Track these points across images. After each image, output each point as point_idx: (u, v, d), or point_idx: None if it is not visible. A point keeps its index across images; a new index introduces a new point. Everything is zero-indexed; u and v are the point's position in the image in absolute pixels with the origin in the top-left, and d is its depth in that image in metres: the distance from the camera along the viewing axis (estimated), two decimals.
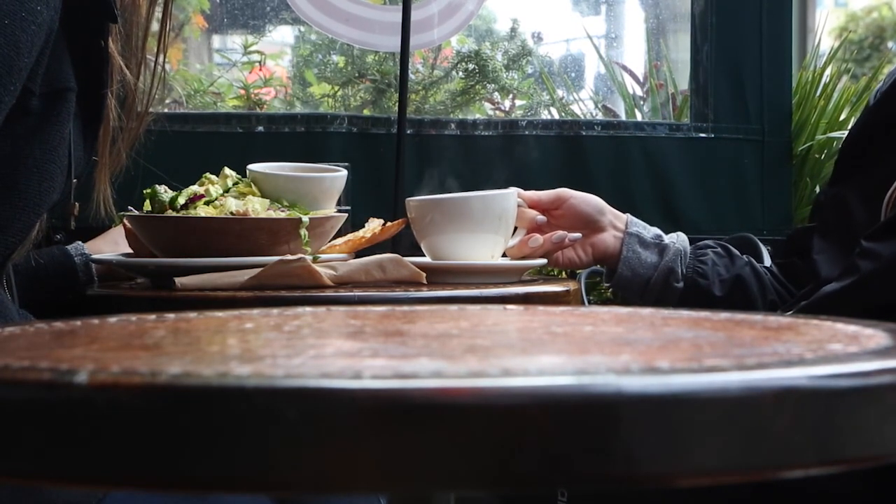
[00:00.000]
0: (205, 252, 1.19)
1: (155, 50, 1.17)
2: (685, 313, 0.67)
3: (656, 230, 1.45)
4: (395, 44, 2.00)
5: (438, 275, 1.28)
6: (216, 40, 3.15)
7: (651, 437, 0.38)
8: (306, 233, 1.22)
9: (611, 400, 0.38)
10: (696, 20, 2.17)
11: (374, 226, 1.37)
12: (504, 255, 1.36)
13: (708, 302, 1.38)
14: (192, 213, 1.24)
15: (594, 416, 0.38)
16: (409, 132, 1.99)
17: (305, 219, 1.23)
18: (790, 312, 1.24)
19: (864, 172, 1.27)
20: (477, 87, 2.48)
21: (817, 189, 2.22)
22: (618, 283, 1.43)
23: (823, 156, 2.32)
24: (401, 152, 1.92)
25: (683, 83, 2.40)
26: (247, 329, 0.62)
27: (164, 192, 1.27)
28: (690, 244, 1.45)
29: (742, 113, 2.16)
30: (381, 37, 2.18)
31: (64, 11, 0.95)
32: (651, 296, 1.42)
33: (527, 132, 2.11)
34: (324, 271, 1.19)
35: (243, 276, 1.17)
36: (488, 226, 1.31)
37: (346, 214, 1.35)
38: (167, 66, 1.22)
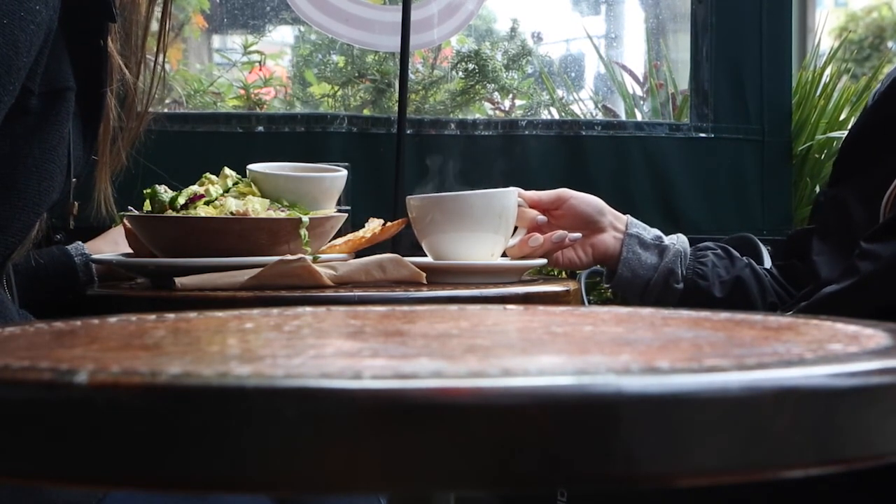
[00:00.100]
0: (205, 252, 1.19)
1: (155, 49, 1.17)
2: (685, 313, 0.67)
3: (656, 231, 1.45)
4: (395, 44, 2.00)
5: (438, 275, 1.28)
6: (216, 40, 3.15)
7: (651, 437, 0.38)
8: (306, 233, 1.22)
9: (611, 400, 0.38)
10: (696, 20, 2.17)
11: (374, 226, 1.37)
12: (504, 254, 1.36)
13: (708, 303, 1.38)
14: (192, 213, 1.24)
15: (594, 416, 0.38)
16: (409, 132, 1.99)
17: (305, 219, 1.23)
18: (790, 313, 1.24)
19: (862, 173, 1.28)
20: (477, 87, 2.48)
21: (817, 189, 2.22)
22: (618, 283, 1.43)
23: (823, 156, 2.32)
24: (401, 152, 1.92)
25: (683, 83, 2.40)
26: (247, 329, 0.62)
27: (164, 192, 1.27)
28: (690, 244, 1.45)
29: (742, 113, 2.16)
30: (381, 37, 2.18)
31: (63, 11, 0.95)
32: (651, 297, 1.42)
33: (527, 132, 2.11)
34: (324, 271, 1.19)
35: (243, 276, 1.17)
36: (489, 224, 1.31)
37: (346, 214, 1.35)
38: (167, 66, 1.22)
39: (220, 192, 1.28)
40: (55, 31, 0.94)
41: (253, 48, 2.59)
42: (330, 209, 1.33)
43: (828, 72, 2.43)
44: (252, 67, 2.61)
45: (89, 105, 1.05)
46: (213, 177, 1.32)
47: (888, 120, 1.27)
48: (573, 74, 2.91)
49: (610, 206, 1.45)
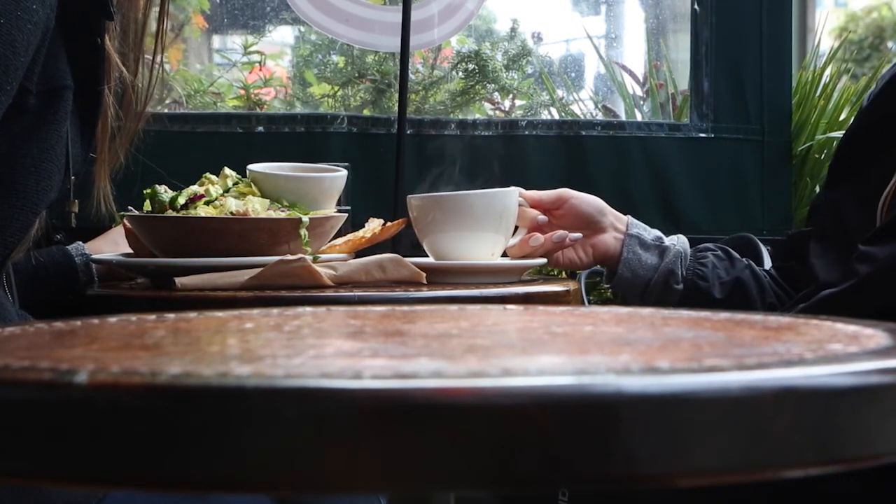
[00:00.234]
0: (205, 252, 1.19)
1: (153, 48, 1.17)
2: (685, 313, 0.67)
3: (657, 232, 1.45)
4: (395, 44, 2.00)
5: (438, 274, 1.28)
6: (216, 40, 3.15)
7: (651, 437, 0.38)
8: (306, 233, 1.22)
9: (611, 400, 0.38)
10: (696, 20, 2.17)
11: (374, 226, 1.37)
12: (505, 254, 1.36)
13: (707, 304, 1.38)
14: (192, 213, 1.24)
15: (594, 416, 0.38)
16: (409, 132, 1.99)
17: (305, 219, 1.23)
18: (790, 314, 1.24)
19: (858, 175, 1.28)
20: (477, 87, 2.48)
21: (817, 189, 2.22)
22: (618, 284, 1.43)
23: (823, 156, 2.32)
24: (401, 152, 1.92)
25: (683, 83, 2.40)
26: (247, 329, 0.62)
27: (164, 192, 1.27)
28: (690, 245, 1.45)
29: (742, 113, 2.16)
30: (381, 37, 2.18)
31: (60, 9, 0.95)
32: (651, 297, 1.42)
33: (527, 132, 2.11)
34: (324, 271, 1.19)
35: (243, 276, 1.17)
36: (489, 224, 1.31)
37: (346, 214, 1.35)
38: (167, 67, 1.22)
39: (220, 192, 1.28)
40: (52, 29, 0.94)
41: (253, 48, 2.59)
42: (330, 209, 1.33)
43: (828, 72, 2.43)
44: (252, 68, 2.61)
45: (87, 103, 1.05)
46: (213, 177, 1.32)
47: (883, 121, 1.27)
48: (573, 74, 2.90)
49: (610, 206, 1.45)
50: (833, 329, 0.57)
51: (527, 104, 2.58)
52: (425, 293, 1.18)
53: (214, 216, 1.23)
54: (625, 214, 1.45)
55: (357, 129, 2.03)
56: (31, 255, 1.21)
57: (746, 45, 2.16)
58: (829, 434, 0.40)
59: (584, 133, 2.12)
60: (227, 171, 1.32)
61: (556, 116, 2.57)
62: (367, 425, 0.37)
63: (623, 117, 2.57)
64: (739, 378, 0.40)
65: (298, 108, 2.59)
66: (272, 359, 0.47)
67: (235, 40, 2.78)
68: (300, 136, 2.01)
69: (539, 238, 1.35)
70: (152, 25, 1.15)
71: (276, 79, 2.76)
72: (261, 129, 2.01)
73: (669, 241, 1.44)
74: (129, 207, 1.30)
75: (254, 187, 1.31)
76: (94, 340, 0.56)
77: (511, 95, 2.58)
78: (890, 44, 7.81)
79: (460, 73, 2.48)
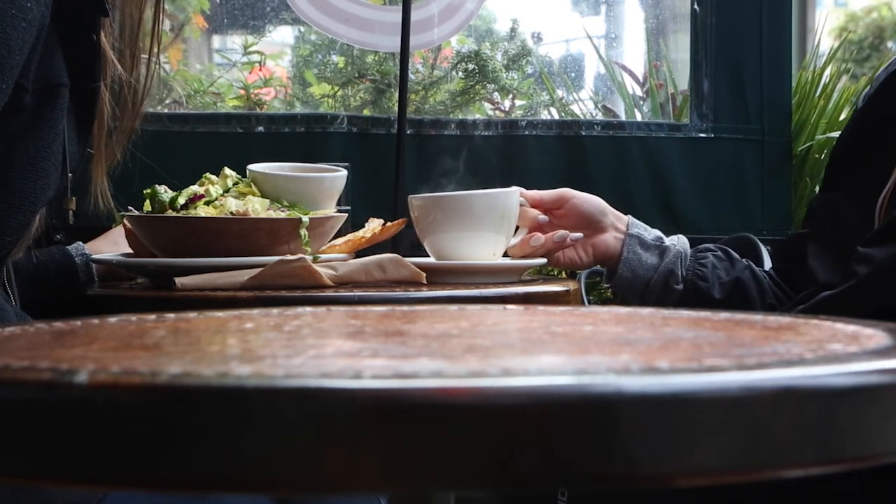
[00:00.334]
0: (205, 252, 1.19)
1: (149, 44, 1.17)
2: (685, 313, 0.67)
3: (657, 232, 1.45)
4: (395, 44, 2.00)
5: (438, 274, 1.28)
6: (216, 40, 3.15)
7: (651, 437, 0.38)
8: (306, 233, 1.22)
9: (611, 400, 0.38)
10: (696, 20, 2.17)
11: (374, 226, 1.37)
12: (506, 253, 1.36)
13: (707, 304, 1.38)
14: (192, 213, 1.24)
15: (594, 416, 0.38)
16: (409, 132, 1.99)
17: (305, 219, 1.23)
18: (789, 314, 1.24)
19: (855, 176, 1.28)
20: (477, 87, 2.48)
21: (817, 189, 2.22)
22: (618, 284, 1.43)
23: (823, 156, 2.32)
24: (401, 152, 1.92)
25: (683, 83, 2.40)
26: (247, 329, 0.62)
27: (164, 192, 1.27)
28: (690, 245, 1.45)
29: (742, 113, 2.16)
30: (381, 37, 2.18)
31: (55, 6, 0.95)
32: (651, 297, 1.42)
33: (527, 132, 2.11)
34: (324, 271, 1.19)
35: (243, 276, 1.17)
36: (490, 224, 1.31)
37: (346, 214, 1.35)
38: (167, 67, 1.22)
39: (220, 192, 1.28)
40: (47, 26, 0.94)
41: (253, 48, 2.59)
42: (330, 209, 1.33)
43: (828, 72, 2.44)
44: (252, 68, 2.61)
45: (83, 100, 1.05)
46: (213, 177, 1.32)
47: (879, 122, 1.27)
48: (573, 74, 2.90)
49: (610, 205, 1.45)
50: (833, 329, 0.57)
51: (527, 104, 2.58)
52: (425, 293, 1.18)
53: (214, 216, 1.23)
54: (625, 214, 1.45)
55: (357, 129, 2.03)
56: (31, 255, 1.21)
57: (746, 45, 2.16)
58: (829, 434, 0.40)
59: (583, 133, 2.12)
60: (227, 171, 1.32)
61: (556, 116, 2.57)
62: (367, 425, 0.37)
63: (623, 117, 2.57)
64: (739, 378, 0.40)
65: (298, 108, 2.59)
66: (272, 359, 0.47)
67: (235, 40, 2.78)
68: (300, 136, 2.01)
69: (540, 238, 1.35)
70: (148, 21, 1.15)
71: (276, 79, 2.76)
72: (261, 129, 2.01)
73: (670, 241, 1.44)
74: (130, 207, 1.30)
75: (254, 187, 1.31)
76: (94, 340, 0.56)
77: (511, 95, 2.58)
78: (890, 44, 7.80)
79: (460, 73, 2.48)
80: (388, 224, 1.37)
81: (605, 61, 2.73)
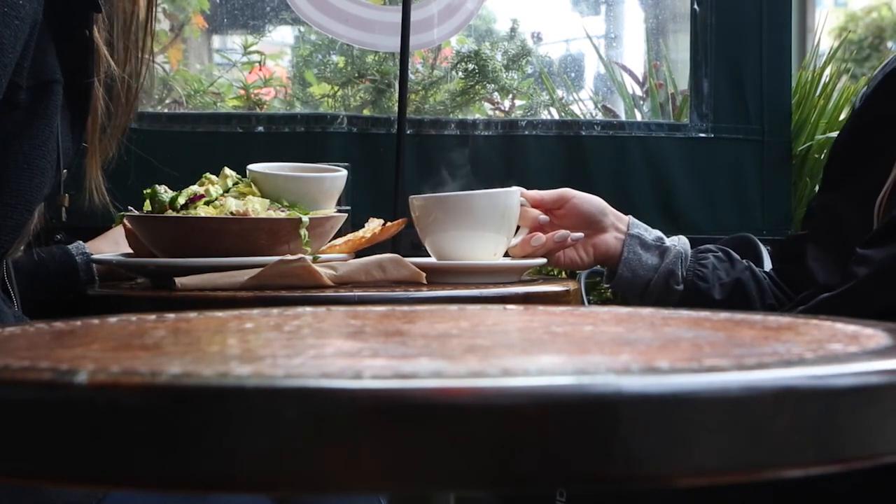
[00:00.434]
0: (205, 252, 1.19)
1: (143, 39, 1.16)
2: (685, 313, 0.67)
3: (658, 232, 1.45)
4: (395, 44, 2.00)
5: (439, 274, 1.28)
6: (216, 40, 3.15)
7: (651, 437, 0.38)
8: (306, 233, 1.22)
9: (611, 400, 0.38)
10: (696, 20, 2.17)
11: (374, 226, 1.37)
12: (506, 253, 1.36)
13: (707, 305, 1.38)
14: (192, 213, 1.24)
15: (594, 416, 0.38)
16: (409, 132, 1.99)
17: (305, 219, 1.23)
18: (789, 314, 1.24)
19: (853, 177, 1.28)
20: (477, 87, 2.48)
21: (817, 189, 2.22)
22: (618, 284, 1.43)
23: (823, 156, 2.32)
24: (401, 152, 1.92)
25: (683, 83, 2.40)
26: (247, 329, 0.62)
27: (164, 192, 1.27)
28: (691, 245, 1.45)
29: (742, 113, 2.16)
30: (381, 37, 2.18)
31: (47, 3, 0.94)
32: (651, 298, 1.42)
33: (527, 132, 2.11)
34: (324, 271, 1.19)
35: (243, 276, 1.17)
36: (491, 224, 1.31)
37: (346, 214, 1.35)
38: (167, 67, 1.22)
39: (220, 192, 1.28)
40: (40, 23, 0.94)
41: (253, 48, 2.59)
42: (330, 209, 1.33)
43: (827, 72, 2.43)
44: (252, 68, 2.61)
45: (77, 96, 1.04)
46: (213, 177, 1.32)
47: (876, 122, 1.27)
48: (573, 74, 2.90)
49: (609, 205, 1.45)
50: (833, 329, 0.57)
51: (527, 104, 2.58)
52: (425, 293, 1.18)
53: (214, 216, 1.23)
54: (625, 214, 1.45)
55: (357, 129, 2.03)
56: (33, 252, 1.21)
57: (746, 45, 2.16)
58: (829, 434, 0.40)
59: (583, 133, 2.12)
60: (227, 171, 1.32)
61: (556, 116, 2.57)
62: (367, 425, 0.37)
63: (623, 117, 2.57)
64: (739, 378, 0.40)
65: (298, 108, 2.59)
66: (272, 359, 0.47)
67: (235, 40, 2.77)
68: (300, 136, 2.01)
69: (541, 238, 1.36)
70: (141, 11, 1.14)
71: (276, 79, 2.76)
72: (261, 129, 2.01)
73: (670, 241, 1.44)
74: (130, 207, 1.30)
75: (254, 187, 1.31)
76: (94, 340, 0.56)
77: (511, 95, 2.58)
78: (890, 44, 7.80)
79: (460, 73, 2.48)
80: (388, 224, 1.37)
81: (604, 61, 2.73)
